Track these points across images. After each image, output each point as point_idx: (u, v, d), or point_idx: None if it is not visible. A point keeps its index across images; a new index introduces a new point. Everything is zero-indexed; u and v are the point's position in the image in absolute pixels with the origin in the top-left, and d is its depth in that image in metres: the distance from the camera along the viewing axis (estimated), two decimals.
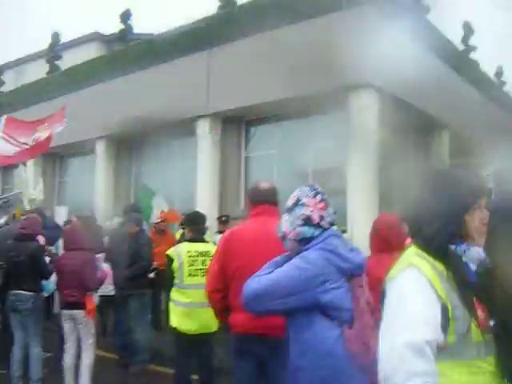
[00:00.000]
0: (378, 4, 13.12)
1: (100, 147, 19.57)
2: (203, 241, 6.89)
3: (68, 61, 25.08)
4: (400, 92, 13.43)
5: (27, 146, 12.24)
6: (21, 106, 21.18)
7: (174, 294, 6.58)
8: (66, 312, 7.40)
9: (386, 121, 14.14)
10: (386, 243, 4.95)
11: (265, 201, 4.82)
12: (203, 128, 16.03)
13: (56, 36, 26.89)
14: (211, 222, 14.62)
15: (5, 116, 12.52)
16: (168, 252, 6.68)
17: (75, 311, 7.28)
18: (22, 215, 9.97)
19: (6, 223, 11.44)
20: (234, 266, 4.58)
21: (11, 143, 12.17)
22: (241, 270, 4.47)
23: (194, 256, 6.52)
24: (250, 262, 4.41)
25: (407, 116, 14.94)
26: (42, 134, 12.32)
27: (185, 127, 16.43)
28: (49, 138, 12.29)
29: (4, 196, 14.20)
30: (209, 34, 15.72)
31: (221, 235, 11.79)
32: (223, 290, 4.69)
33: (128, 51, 19.31)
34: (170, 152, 18.29)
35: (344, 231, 12.07)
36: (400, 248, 5.06)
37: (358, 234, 12.58)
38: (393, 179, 15.97)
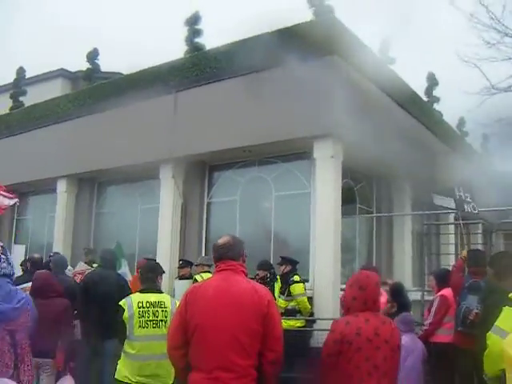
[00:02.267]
0: (345, 55, 13.19)
1: (61, 186, 19.32)
2: (156, 291, 6.74)
3: (32, 97, 24.96)
4: (363, 142, 13.50)
5: None
6: None
7: (126, 346, 6.41)
8: (34, 360, 7.23)
9: (349, 170, 14.28)
10: (372, 302, 4.91)
11: (224, 257, 4.78)
12: (166, 172, 15.93)
13: (21, 71, 26.79)
14: (172, 267, 14.61)
15: None
16: (120, 302, 6.52)
17: (46, 359, 7.15)
18: None
19: None
20: (194, 322, 4.50)
21: None
22: (201, 328, 4.43)
23: (144, 307, 6.38)
24: (210, 319, 4.39)
25: (371, 165, 15.07)
26: None
27: (148, 170, 16.34)
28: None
29: None
30: (175, 77, 15.69)
31: (181, 281, 11.78)
32: (184, 347, 4.60)
33: (93, 90, 19.20)
34: (132, 194, 18.18)
35: (306, 281, 12.07)
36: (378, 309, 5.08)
37: (320, 281, 12.63)
38: (356, 230, 16.17)
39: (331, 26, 13.38)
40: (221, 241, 4.91)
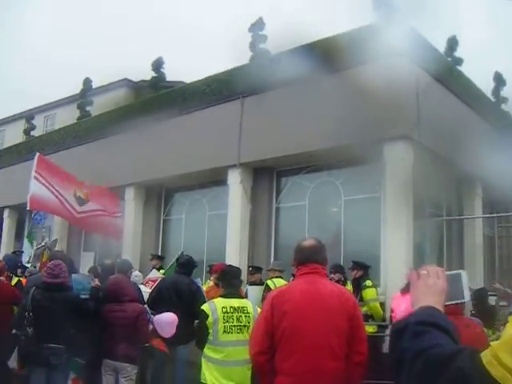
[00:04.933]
0: (410, 55, 13.04)
1: (129, 194, 19.53)
2: (238, 296, 6.71)
3: (97, 106, 25.37)
4: (434, 145, 13.29)
5: (69, 209, 12.27)
6: (51, 151, 21.24)
7: (208, 351, 6.37)
8: (110, 363, 7.27)
9: (420, 173, 14.04)
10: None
11: (312, 259, 4.71)
12: (234, 178, 15.94)
13: (87, 82, 27.23)
14: (242, 273, 14.58)
15: (38, 153, 12.50)
16: (203, 307, 6.49)
17: (124, 364, 7.19)
18: (49, 261, 9.82)
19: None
20: (282, 326, 4.44)
21: (46, 186, 12.14)
22: (289, 331, 4.38)
23: (228, 312, 6.33)
24: (299, 322, 4.36)
25: (441, 168, 14.82)
26: (91, 204, 12.41)
27: (216, 176, 16.40)
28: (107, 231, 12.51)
29: (43, 243, 14.15)
30: (242, 83, 15.69)
31: (253, 286, 11.72)
32: (269, 352, 4.54)
33: (159, 99, 19.37)
34: (199, 200, 18.27)
35: (376, 286, 11.87)
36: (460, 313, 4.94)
37: (392, 289, 12.41)
38: (426, 234, 15.92)
39: (398, 28, 13.24)
40: (307, 243, 4.84)
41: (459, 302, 2.43)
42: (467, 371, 1.60)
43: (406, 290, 6.82)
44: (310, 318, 4.41)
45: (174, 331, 8.05)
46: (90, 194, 12.70)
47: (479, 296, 9.07)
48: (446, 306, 2.10)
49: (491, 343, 1.66)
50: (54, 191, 12.16)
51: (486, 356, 1.61)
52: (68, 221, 17.23)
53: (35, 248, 13.48)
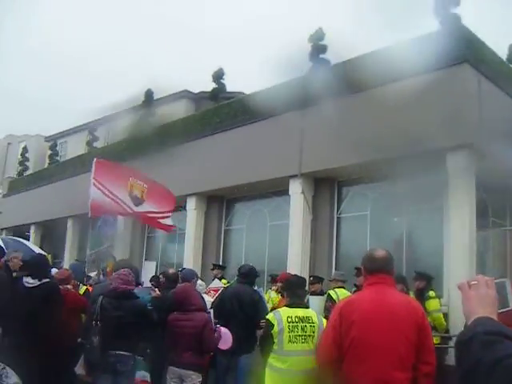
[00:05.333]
0: (472, 62, 12.92)
1: (190, 204, 19.73)
2: (303, 306, 6.71)
3: (159, 117, 25.67)
4: (497, 153, 13.11)
5: (123, 205, 12.39)
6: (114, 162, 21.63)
7: (272, 360, 6.39)
8: (176, 370, 7.36)
9: (483, 183, 13.86)
10: None
11: (381, 269, 4.71)
12: (295, 188, 15.97)
13: (149, 93, 27.58)
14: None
15: (95, 159, 12.69)
16: (268, 316, 6.51)
17: (189, 371, 7.28)
18: (115, 271, 9.96)
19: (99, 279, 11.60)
20: (350, 336, 4.45)
21: (102, 191, 12.31)
22: (358, 342, 4.39)
23: (294, 322, 6.34)
24: (367, 332, 4.35)
25: (504, 177, 14.59)
26: (146, 205, 12.54)
27: (277, 187, 16.47)
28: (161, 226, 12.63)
29: (95, 250, 14.39)
30: (303, 93, 15.70)
31: (315, 297, 11.70)
32: (337, 362, 4.55)
33: (220, 110, 19.54)
34: (260, 210, 18.35)
35: (439, 297, 11.72)
36: None
37: (455, 297, 12.25)
38: (490, 244, 15.70)
39: (459, 34, 13.14)
40: (379, 254, 4.83)
41: (505, 310, 2.42)
42: None
43: None
44: (379, 328, 4.41)
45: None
46: (148, 192, 12.81)
47: None
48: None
49: None
50: (110, 195, 12.32)
51: None
52: (126, 216, 17.45)
53: (88, 254, 13.71)
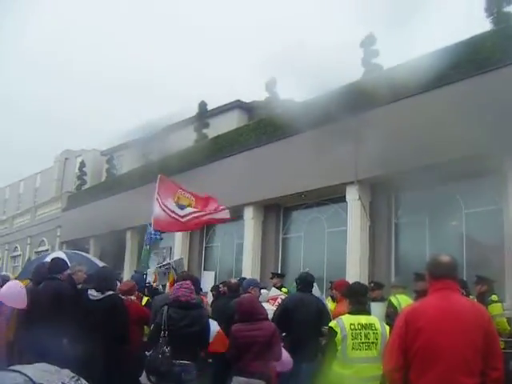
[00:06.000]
0: None
1: (248, 213, 19.83)
2: (366, 313, 6.73)
3: (212, 128, 25.92)
4: None
5: (176, 217, 12.53)
6: (169, 173, 21.86)
7: (337, 367, 6.41)
8: (242, 380, 7.41)
9: None
10: None
11: (447, 275, 4.69)
12: (352, 194, 15.95)
13: (203, 105, 27.80)
14: None
15: (160, 175, 12.90)
16: (331, 324, 6.55)
17: (256, 380, 7.33)
18: (176, 281, 10.06)
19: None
20: (417, 343, 4.44)
21: (160, 205, 12.51)
22: (424, 348, 4.37)
23: (357, 329, 6.36)
24: (434, 338, 4.34)
25: None
26: (193, 212, 12.64)
27: (334, 194, 16.48)
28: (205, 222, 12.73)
29: (167, 262, 14.57)
30: (355, 98, 15.67)
31: (376, 303, 11.63)
32: (403, 368, 4.54)
33: (274, 118, 19.60)
34: (318, 218, 18.36)
35: (501, 301, 11.54)
36: None
37: None
38: None
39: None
40: (445, 259, 4.80)
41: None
42: None
43: None
44: (446, 334, 4.38)
45: None
46: (196, 201, 12.95)
47: None
48: None
49: None
50: (164, 208, 12.51)
51: None
52: (179, 230, 17.64)
53: (157, 266, 13.85)
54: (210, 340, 7.93)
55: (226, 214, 13.03)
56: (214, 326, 8.35)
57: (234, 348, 7.48)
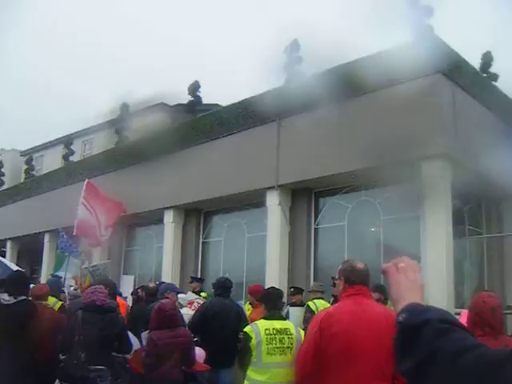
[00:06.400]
0: (446, 72, 13.05)
1: (168, 217, 19.68)
2: (281, 318, 6.71)
3: (135, 131, 25.67)
4: (473, 162, 13.21)
5: (98, 228, 12.39)
6: (90, 176, 21.54)
7: (252, 373, 6.37)
8: None
9: (459, 191, 13.95)
10: (489, 327, 4.78)
11: (361, 281, 4.74)
12: (273, 199, 15.99)
13: (125, 106, 27.54)
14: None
15: (87, 180, 12.70)
16: (246, 329, 6.49)
17: None
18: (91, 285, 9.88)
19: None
20: (331, 348, 4.43)
21: (91, 212, 12.31)
22: (339, 353, 4.38)
23: (272, 334, 6.34)
24: (349, 344, 4.36)
25: (480, 186, 14.71)
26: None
27: (254, 199, 16.48)
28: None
29: (94, 264, 14.36)
30: (279, 104, 15.74)
31: (295, 308, 11.68)
32: (316, 374, 4.54)
33: (196, 122, 19.52)
34: (238, 223, 18.35)
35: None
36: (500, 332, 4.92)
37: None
38: (467, 251, 15.80)
39: (433, 44, 13.25)
40: (360, 266, 4.85)
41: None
42: None
43: None
44: (360, 339, 4.40)
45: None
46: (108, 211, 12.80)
47: None
48: None
49: None
50: (96, 218, 12.32)
51: None
52: (93, 244, 17.48)
53: (82, 267, 13.61)
54: None
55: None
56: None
57: (154, 356, 7.29)
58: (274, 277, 15.33)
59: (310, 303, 11.03)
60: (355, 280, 4.76)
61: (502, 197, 16.33)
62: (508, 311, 12.07)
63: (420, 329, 1.76)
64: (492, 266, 16.65)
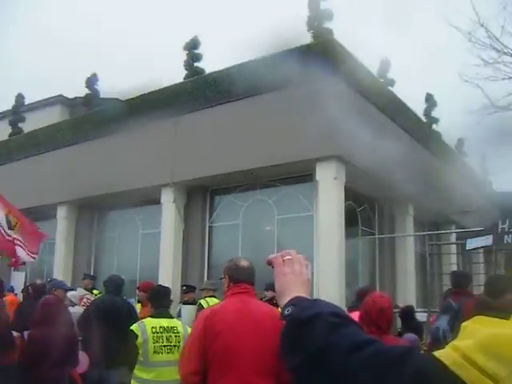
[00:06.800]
0: (344, 76, 13.26)
1: (61, 212, 19.27)
2: (168, 316, 6.65)
3: (31, 123, 24.94)
4: (367, 165, 13.48)
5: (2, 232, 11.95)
6: None
7: (138, 372, 6.29)
8: None
9: (352, 193, 14.23)
10: (375, 326, 4.88)
11: (245, 280, 4.73)
12: (167, 197, 15.90)
13: (20, 98, 26.78)
14: (174, 292, 14.48)
15: None
16: (132, 327, 6.37)
17: None
18: None
19: None
20: (215, 346, 4.40)
21: None
22: (223, 352, 4.35)
23: (158, 332, 6.27)
24: (233, 342, 4.33)
25: (373, 189, 15.04)
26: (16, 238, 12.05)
27: (149, 195, 16.33)
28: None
29: None
30: (176, 101, 15.66)
31: (187, 306, 11.63)
32: (200, 372, 4.49)
33: (92, 116, 19.19)
34: (132, 219, 18.16)
35: None
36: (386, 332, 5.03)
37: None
38: (359, 252, 16.12)
39: (330, 48, 13.46)
40: (244, 264, 4.82)
41: None
42: (429, 374, 1.47)
43: (354, 306, 6.98)
44: (244, 337, 4.38)
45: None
46: (21, 225, 12.35)
47: (406, 313, 9.25)
48: None
49: (455, 344, 1.52)
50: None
51: (448, 358, 1.48)
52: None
53: None
54: None
55: (28, 259, 12.42)
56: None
57: (31, 355, 7.05)
58: (168, 274, 15.27)
59: (203, 301, 11.00)
60: (239, 278, 4.74)
61: (394, 198, 16.74)
62: (396, 310, 12.36)
63: (310, 322, 1.67)
64: (384, 266, 17.06)
